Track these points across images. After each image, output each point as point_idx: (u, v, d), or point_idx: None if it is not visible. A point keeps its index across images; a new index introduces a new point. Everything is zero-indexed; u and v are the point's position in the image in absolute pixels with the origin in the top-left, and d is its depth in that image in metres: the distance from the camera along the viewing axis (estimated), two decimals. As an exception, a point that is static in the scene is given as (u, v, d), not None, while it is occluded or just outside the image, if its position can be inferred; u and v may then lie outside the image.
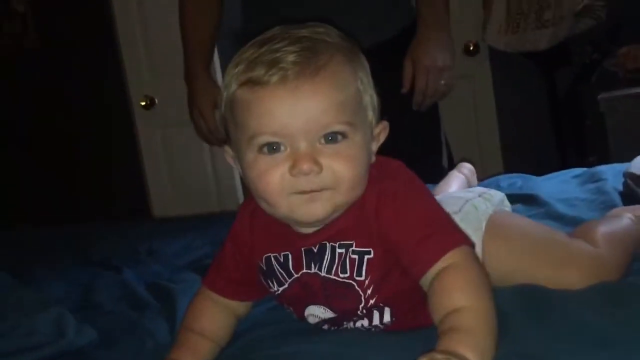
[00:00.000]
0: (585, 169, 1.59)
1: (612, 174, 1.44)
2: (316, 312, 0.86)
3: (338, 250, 0.80)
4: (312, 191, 0.75)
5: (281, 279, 0.85)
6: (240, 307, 0.92)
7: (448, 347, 0.66)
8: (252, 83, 0.74)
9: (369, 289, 0.81)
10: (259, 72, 0.74)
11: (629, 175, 1.32)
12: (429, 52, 1.53)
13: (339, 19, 1.54)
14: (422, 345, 0.71)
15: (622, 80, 2.29)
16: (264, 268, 0.86)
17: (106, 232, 1.80)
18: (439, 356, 0.64)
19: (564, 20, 2.53)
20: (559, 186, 1.51)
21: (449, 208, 0.98)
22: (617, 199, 1.28)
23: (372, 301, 0.82)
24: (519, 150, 2.76)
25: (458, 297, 0.72)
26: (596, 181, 1.43)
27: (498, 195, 1.10)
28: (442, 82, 1.55)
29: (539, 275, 0.90)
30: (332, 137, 0.75)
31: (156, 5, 2.80)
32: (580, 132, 2.54)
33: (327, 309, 0.84)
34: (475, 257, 0.78)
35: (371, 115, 0.81)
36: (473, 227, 0.97)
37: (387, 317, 0.84)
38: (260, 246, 0.86)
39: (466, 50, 2.76)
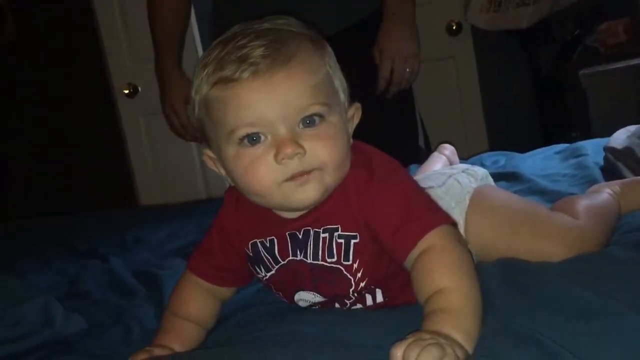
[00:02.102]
0: (567, 145, 1.60)
1: (593, 149, 1.46)
2: (306, 297, 0.86)
3: (322, 235, 0.81)
4: (301, 173, 0.75)
5: (268, 264, 0.85)
6: (224, 291, 0.93)
7: (433, 327, 0.67)
8: (225, 81, 0.75)
9: (359, 272, 0.81)
10: (229, 70, 0.74)
11: (609, 150, 1.33)
12: (393, 42, 1.57)
13: (302, 7, 1.55)
14: (411, 324, 0.72)
15: (603, 56, 2.29)
16: (251, 254, 0.87)
17: (92, 221, 1.79)
18: (425, 336, 0.64)
19: (545, -3, 2.53)
20: (542, 162, 1.52)
21: (432, 182, 1.00)
22: (598, 173, 1.29)
23: (362, 284, 0.82)
24: (504, 128, 2.77)
25: (439, 278, 0.72)
26: (578, 157, 1.45)
27: (481, 171, 1.11)
28: (407, 69, 1.59)
29: (520, 247, 0.91)
30: (310, 121, 0.76)
31: (136, -8, 2.77)
32: (563, 109, 2.55)
33: (316, 294, 0.85)
34: (456, 235, 0.79)
35: (343, 97, 0.81)
36: (455, 200, 0.98)
37: (379, 298, 0.85)
38: (246, 232, 0.86)
39: (449, 30, 2.75)
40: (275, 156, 0.74)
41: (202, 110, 0.79)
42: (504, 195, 1.06)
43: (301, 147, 0.74)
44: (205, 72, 0.77)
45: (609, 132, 1.45)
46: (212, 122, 0.78)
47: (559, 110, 2.60)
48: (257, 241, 0.85)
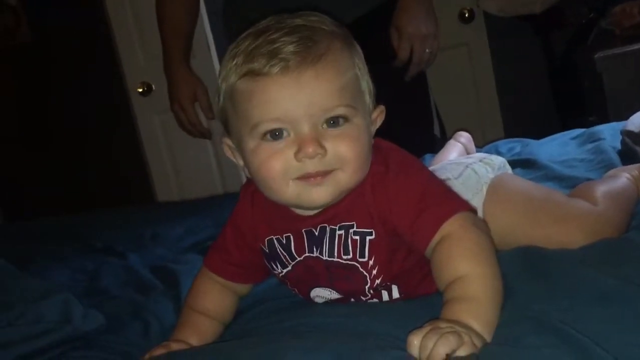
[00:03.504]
0: (583, 129, 1.59)
1: (609, 133, 1.44)
2: (322, 294, 0.87)
3: (338, 232, 0.80)
4: (317, 173, 0.75)
5: (284, 261, 0.85)
6: (240, 287, 0.93)
7: (452, 316, 0.67)
8: (254, 74, 0.74)
9: (374, 269, 0.81)
10: (259, 63, 0.74)
11: (626, 133, 1.31)
12: (412, 20, 1.53)
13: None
14: (429, 314, 0.71)
15: (618, 38, 2.26)
16: (267, 250, 0.87)
17: (109, 218, 1.80)
18: (442, 324, 0.64)
19: (558, -19, 2.50)
20: (558, 148, 1.51)
21: (448, 174, 1.00)
22: (615, 157, 1.28)
23: (378, 281, 0.82)
24: (520, 115, 2.75)
25: (458, 265, 0.72)
26: (594, 141, 1.43)
27: (498, 160, 1.10)
28: (427, 50, 1.55)
29: (539, 235, 0.91)
30: (334, 121, 0.76)
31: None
32: (578, 93, 2.52)
33: (332, 290, 0.85)
34: (476, 222, 0.78)
35: (368, 99, 0.81)
36: (472, 191, 0.98)
37: (395, 294, 0.85)
38: (262, 229, 0.86)
39: (461, 17, 2.73)
40: (296, 154, 0.75)
41: (227, 100, 0.79)
42: (521, 183, 1.05)
43: (323, 147, 0.74)
44: (234, 62, 0.77)
45: (625, 116, 1.44)
46: (236, 113, 0.78)
47: (574, 94, 2.57)
48: (274, 237, 0.85)
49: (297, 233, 0.83)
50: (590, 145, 1.42)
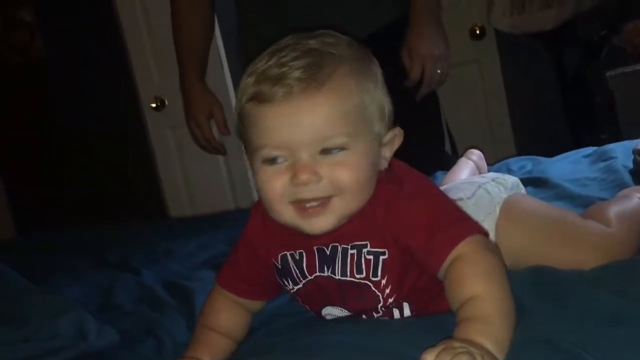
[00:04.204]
0: (595, 148, 1.58)
1: (622, 151, 1.44)
2: (333, 312, 0.87)
3: (350, 252, 0.81)
4: (313, 199, 0.77)
5: (296, 278, 0.86)
6: (253, 304, 0.93)
7: (465, 335, 0.67)
8: (259, 99, 0.76)
9: (387, 288, 0.82)
10: (265, 87, 0.75)
11: (637, 152, 1.31)
12: (424, 41, 1.55)
13: (331, 11, 1.55)
14: (441, 332, 0.72)
15: (630, 56, 2.26)
16: (280, 266, 0.87)
17: (122, 233, 1.82)
18: (456, 344, 0.64)
19: (569, -2, 2.51)
20: (570, 167, 1.51)
21: (461, 194, 1.00)
22: (627, 177, 1.28)
23: (390, 300, 0.83)
24: (531, 132, 2.75)
25: (471, 286, 0.72)
26: (606, 160, 1.43)
27: (511, 180, 1.09)
28: (439, 70, 1.57)
29: (552, 255, 0.91)
30: (332, 149, 0.77)
31: (162, 7, 2.81)
32: (590, 111, 2.52)
33: (344, 309, 0.86)
34: (487, 244, 0.78)
35: (379, 123, 0.81)
36: (485, 212, 0.98)
37: (407, 312, 0.85)
38: (274, 245, 0.87)
39: (472, 34, 2.74)
40: (292, 179, 0.76)
41: (239, 118, 0.81)
42: (534, 204, 1.05)
43: (317, 174, 0.76)
44: (247, 81, 0.79)
45: (637, 134, 1.44)
46: (245, 132, 0.81)
47: (586, 112, 2.57)
48: (287, 253, 0.86)
49: (309, 250, 0.84)
50: (602, 164, 1.41)
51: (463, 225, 0.79)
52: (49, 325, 0.91)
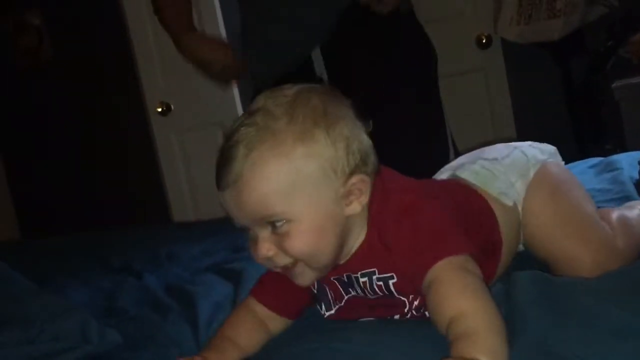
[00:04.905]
0: (601, 158, 1.58)
1: (627, 162, 1.44)
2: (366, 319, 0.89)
3: (361, 280, 0.85)
4: (279, 269, 0.83)
5: (330, 302, 0.90)
6: (276, 322, 0.94)
7: (459, 354, 0.68)
8: (217, 185, 0.83)
9: (410, 296, 0.84)
10: (217, 176, 0.82)
11: (644, 163, 1.31)
12: None
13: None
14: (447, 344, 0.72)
15: (636, 67, 2.26)
16: (315, 291, 0.91)
17: (126, 237, 1.82)
18: None
19: (576, 8, 2.51)
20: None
21: (497, 154, 1.01)
22: (632, 188, 1.27)
23: (416, 302, 0.85)
24: (537, 141, 2.74)
25: (451, 304, 0.73)
26: (612, 171, 1.43)
27: (549, 147, 1.08)
28: None
29: (559, 242, 0.93)
30: (274, 225, 0.81)
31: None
32: (596, 121, 2.52)
33: (373, 318, 0.88)
34: (465, 264, 0.79)
35: (325, 183, 0.81)
36: (519, 173, 0.98)
37: None
38: None
39: (479, 43, 2.75)
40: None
41: None
42: (568, 182, 1.03)
43: (271, 249, 0.81)
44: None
45: (643, 145, 1.43)
46: None
47: (593, 122, 2.56)
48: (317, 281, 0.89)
49: (329, 281, 0.88)
50: (608, 175, 1.41)
51: (442, 245, 0.80)
52: (52, 327, 0.91)
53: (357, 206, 0.83)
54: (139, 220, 2.90)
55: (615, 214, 1.03)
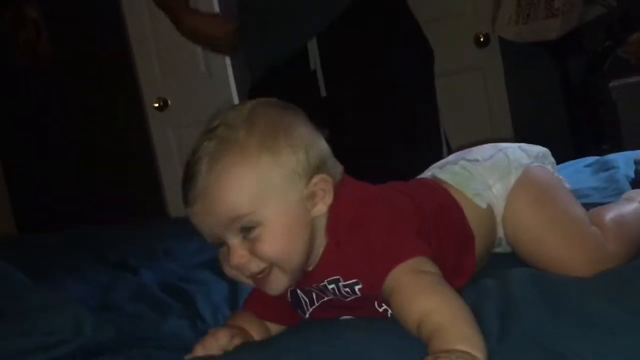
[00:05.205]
0: (597, 157, 1.59)
1: (623, 161, 1.44)
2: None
3: (329, 287, 0.86)
4: (253, 276, 0.84)
5: (304, 307, 0.91)
6: (276, 327, 0.95)
7: (439, 348, 0.69)
8: (184, 203, 0.85)
9: (380, 296, 0.85)
10: (183, 193, 0.84)
11: (639, 162, 1.31)
12: None
13: None
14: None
15: (634, 67, 2.27)
16: (289, 299, 0.92)
17: (123, 232, 1.82)
18: (429, 358, 0.67)
19: (574, 8, 2.52)
20: (572, 175, 1.50)
21: (479, 155, 1.02)
22: (628, 187, 1.28)
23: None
24: (533, 140, 2.74)
25: (414, 307, 0.76)
26: (608, 169, 1.43)
27: (537, 149, 1.07)
28: None
29: (547, 248, 0.93)
30: (247, 229, 0.82)
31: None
32: (594, 121, 2.52)
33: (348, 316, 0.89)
34: (423, 266, 0.81)
35: (290, 185, 0.84)
36: (499, 175, 0.98)
37: None
38: None
39: (477, 42, 2.75)
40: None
41: None
42: (552, 185, 1.03)
43: (245, 256, 0.82)
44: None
45: (639, 144, 1.44)
46: None
47: (590, 122, 2.57)
48: (294, 288, 0.91)
49: (302, 289, 0.90)
50: (603, 174, 1.42)
51: (395, 251, 0.82)
52: (46, 320, 0.91)
53: (322, 207, 0.86)
54: (136, 216, 2.90)
55: (609, 214, 1.02)
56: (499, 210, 0.98)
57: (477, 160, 1.00)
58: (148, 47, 2.94)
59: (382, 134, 1.59)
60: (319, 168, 0.86)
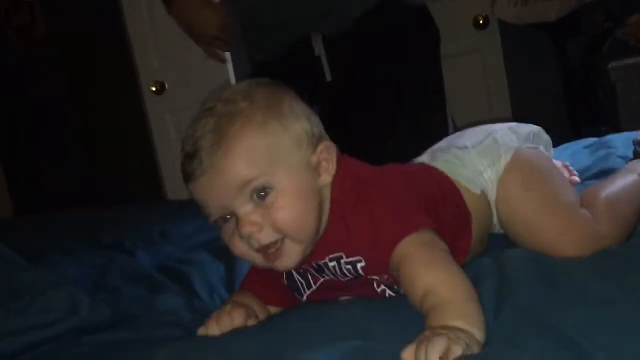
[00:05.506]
0: (595, 138, 1.58)
1: (621, 142, 1.44)
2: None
3: (330, 264, 0.86)
4: (264, 248, 0.82)
5: (302, 289, 0.91)
6: (273, 309, 0.96)
7: (433, 324, 0.69)
8: (186, 179, 0.84)
9: (381, 275, 0.86)
10: (186, 167, 0.83)
11: (637, 142, 1.31)
12: None
13: None
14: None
15: (633, 48, 2.26)
16: (286, 282, 0.92)
17: (119, 214, 1.82)
18: (427, 333, 0.66)
19: (574, -11, 2.51)
20: (570, 157, 1.50)
21: (468, 142, 1.02)
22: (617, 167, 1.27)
23: (386, 279, 0.86)
24: (533, 122, 2.74)
25: (420, 281, 0.76)
26: (606, 149, 1.43)
27: (527, 129, 1.06)
28: None
29: (538, 231, 0.93)
30: (261, 193, 0.81)
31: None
32: (593, 102, 2.52)
33: (351, 295, 0.89)
34: (428, 238, 0.81)
35: (298, 151, 0.84)
36: (489, 161, 0.98)
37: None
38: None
39: (476, 24, 2.74)
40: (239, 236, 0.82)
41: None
42: (542, 168, 1.02)
43: (256, 223, 0.81)
44: (180, 156, 0.85)
45: (637, 126, 1.43)
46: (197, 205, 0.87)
47: (589, 103, 2.57)
48: (293, 271, 0.90)
49: (302, 269, 0.89)
50: (602, 153, 1.41)
51: (402, 225, 0.82)
52: (42, 299, 0.91)
53: (327, 177, 0.86)
54: (132, 199, 2.90)
55: (604, 193, 1.01)
56: (492, 195, 0.98)
57: (466, 147, 1.00)
58: (145, 31, 2.92)
59: (388, 117, 1.57)
60: (321, 138, 0.87)
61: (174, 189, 3.01)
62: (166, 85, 2.94)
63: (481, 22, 2.73)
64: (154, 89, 2.95)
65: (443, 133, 1.69)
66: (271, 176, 0.81)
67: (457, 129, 1.77)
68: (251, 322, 0.87)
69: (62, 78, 3.14)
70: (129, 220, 1.70)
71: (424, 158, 1.04)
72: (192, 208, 1.77)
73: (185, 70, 2.83)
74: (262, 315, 0.91)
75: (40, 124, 3.26)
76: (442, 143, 1.06)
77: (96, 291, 1.14)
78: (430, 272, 0.76)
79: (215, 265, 1.26)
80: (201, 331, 0.86)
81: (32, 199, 3.30)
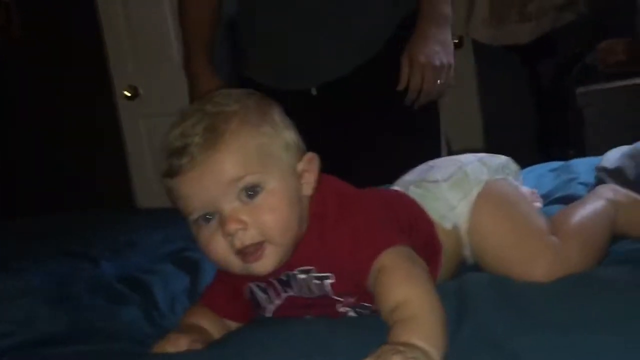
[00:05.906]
0: (562, 162, 1.60)
1: (584, 168, 1.46)
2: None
3: (299, 276, 0.86)
4: (246, 248, 0.81)
5: (264, 305, 0.91)
6: (232, 323, 0.95)
7: (394, 338, 0.70)
8: (170, 174, 0.82)
9: (346, 296, 0.86)
10: (173, 161, 0.81)
11: (600, 169, 1.33)
12: (426, 49, 1.49)
13: (332, 17, 1.54)
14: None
15: (601, 74, 2.31)
16: (249, 296, 0.92)
17: (87, 221, 1.80)
18: (386, 348, 0.67)
19: (547, 13, 2.55)
20: (535, 180, 1.52)
21: (438, 175, 1.03)
22: (579, 193, 1.29)
23: (351, 300, 0.87)
24: (503, 143, 2.78)
25: (393, 295, 0.76)
26: (569, 174, 1.45)
27: (497, 161, 1.08)
28: (439, 81, 1.51)
29: (508, 263, 0.93)
30: (250, 192, 0.81)
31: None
32: (562, 125, 2.56)
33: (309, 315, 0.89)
34: (406, 254, 0.82)
35: (286, 156, 0.86)
36: (460, 195, 1.00)
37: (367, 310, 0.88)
38: (240, 278, 0.90)
39: (450, 43, 2.76)
40: (222, 233, 0.81)
41: (167, 192, 0.86)
42: (510, 200, 1.03)
43: (242, 221, 0.80)
44: (164, 153, 0.84)
45: (602, 150, 1.46)
46: (174, 204, 0.86)
47: (559, 125, 2.61)
48: (251, 285, 0.90)
49: (268, 282, 0.89)
50: (565, 177, 1.44)
51: (386, 237, 0.83)
52: (-2, 309, 0.90)
53: (308, 188, 0.87)
54: (102, 205, 2.87)
55: (573, 219, 1.02)
56: (464, 227, 0.99)
57: (437, 181, 1.01)
58: (120, 35, 2.90)
59: (382, 136, 1.58)
60: (305, 151, 0.88)
61: (145, 196, 2.99)
62: (140, 90, 2.92)
63: (456, 41, 2.76)
64: (127, 94, 2.93)
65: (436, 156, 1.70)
66: (262, 176, 0.82)
67: (451, 150, 1.78)
68: (196, 346, 0.85)
69: (36, 79, 3.11)
70: (98, 228, 1.68)
71: (396, 188, 1.05)
72: (161, 217, 1.77)
73: (160, 77, 2.82)
74: (216, 334, 0.91)
75: (10, 126, 3.21)
76: (413, 176, 1.06)
77: (58, 301, 1.12)
78: (408, 286, 0.77)
79: (179, 276, 1.25)
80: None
81: (0, 203, 3.25)
